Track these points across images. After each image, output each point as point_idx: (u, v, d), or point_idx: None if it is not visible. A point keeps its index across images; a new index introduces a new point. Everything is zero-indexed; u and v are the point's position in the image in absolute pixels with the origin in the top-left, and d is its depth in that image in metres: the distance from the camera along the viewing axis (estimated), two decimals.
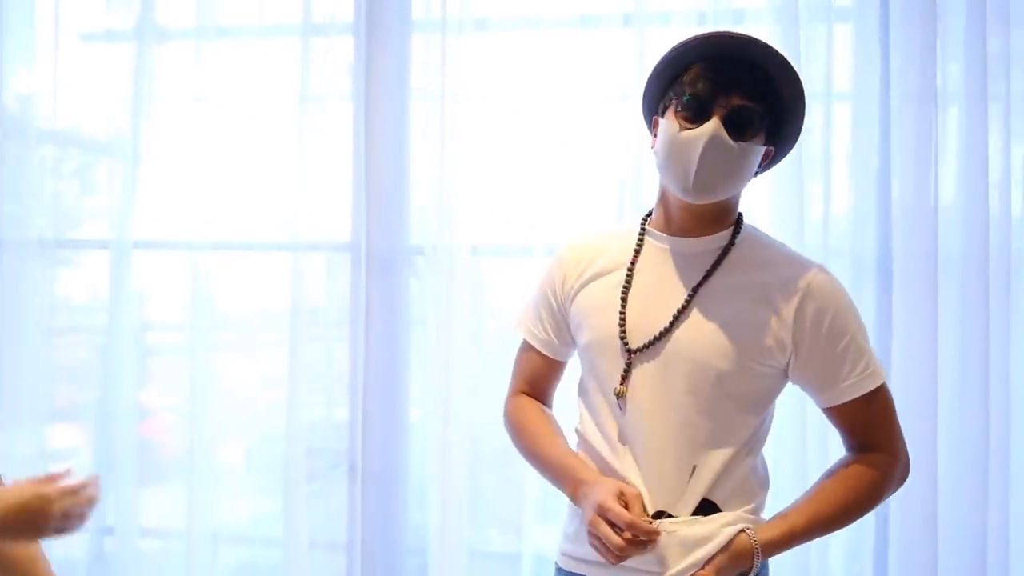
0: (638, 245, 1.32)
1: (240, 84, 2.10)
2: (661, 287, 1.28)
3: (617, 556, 1.18)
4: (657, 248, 1.31)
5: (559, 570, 1.34)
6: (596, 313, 1.32)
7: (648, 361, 1.26)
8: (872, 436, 1.28)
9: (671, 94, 1.26)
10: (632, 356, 1.26)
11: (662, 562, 1.20)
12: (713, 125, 1.19)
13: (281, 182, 2.05)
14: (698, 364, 1.24)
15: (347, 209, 2.02)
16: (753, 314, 1.24)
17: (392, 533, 1.96)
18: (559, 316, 1.38)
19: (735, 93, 1.20)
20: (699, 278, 1.27)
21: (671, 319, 1.25)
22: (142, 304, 2.16)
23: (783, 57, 1.25)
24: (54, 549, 2.06)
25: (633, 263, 1.31)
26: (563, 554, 1.33)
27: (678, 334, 1.25)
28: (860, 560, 1.74)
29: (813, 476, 1.34)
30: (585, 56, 1.88)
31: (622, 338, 1.27)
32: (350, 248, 2.01)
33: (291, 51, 2.04)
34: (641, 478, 1.24)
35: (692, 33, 1.27)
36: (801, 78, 1.26)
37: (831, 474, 1.29)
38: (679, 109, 1.23)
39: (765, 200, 1.74)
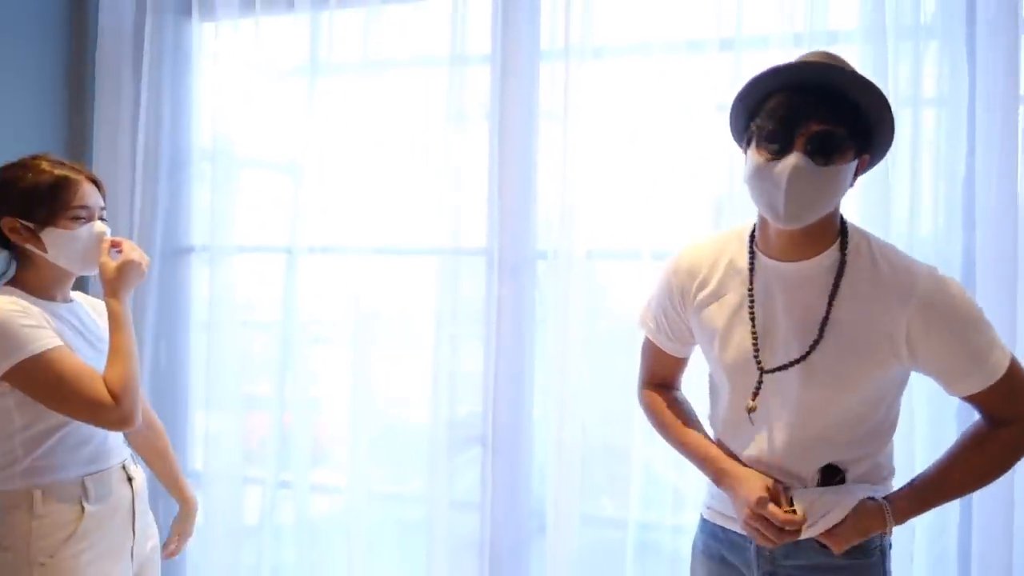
0: (751, 265, 1.40)
1: (396, 109, 2.41)
2: (783, 311, 1.37)
3: (774, 543, 1.35)
4: (769, 271, 1.39)
5: (704, 521, 1.55)
6: (723, 332, 1.42)
7: (778, 380, 1.37)
8: (1007, 412, 1.35)
9: (753, 127, 1.32)
10: (763, 375, 1.38)
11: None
12: (795, 157, 1.25)
13: (428, 194, 2.33)
14: (827, 386, 1.34)
15: (483, 217, 2.29)
16: (873, 331, 1.32)
17: (517, 498, 2.24)
18: (679, 323, 1.52)
19: (814, 119, 1.24)
20: (819, 303, 1.34)
21: (807, 349, 1.34)
22: (314, 303, 2.46)
23: (858, 74, 1.27)
24: (246, 510, 2.49)
25: (751, 288, 1.39)
26: (708, 508, 1.53)
27: (810, 360, 1.34)
28: (946, 535, 1.85)
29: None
30: (689, 77, 2.06)
31: (756, 359, 1.38)
32: (485, 253, 2.28)
33: (439, 79, 2.32)
34: (772, 475, 1.39)
35: (788, 56, 1.36)
36: (882, 90, 1.28)
37: (964, 444, 1.38)
38: (761, 143, 1.29)
39: (853, 204, 1.86)
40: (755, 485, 1.37)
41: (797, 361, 1.36)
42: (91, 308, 1.78)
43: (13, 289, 1.64)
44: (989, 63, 1.76)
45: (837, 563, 1.38)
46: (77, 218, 1.64)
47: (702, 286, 1.45)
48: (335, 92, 2.47)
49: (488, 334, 2.25)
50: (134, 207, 2.61)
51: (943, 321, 1.31)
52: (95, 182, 1.70)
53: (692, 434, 1.54)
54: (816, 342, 1.34)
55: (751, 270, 1.40)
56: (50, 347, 1.56)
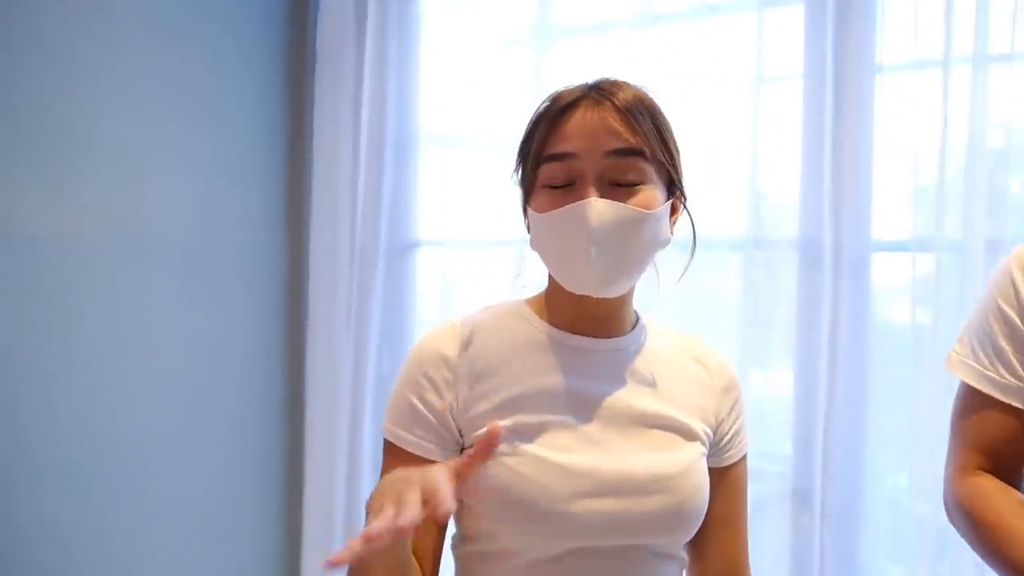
0: None
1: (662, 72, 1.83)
2: None
3: None
4: None
5: None
6: None
7: None
8: None
9: None
10: None
11: None
12: None
13: (708, 174, 1.72)
14: None
15: (793, 200, 1.66)
16: None
17: None
18: None
19: None
20: None
21: None
22: None
23: None
24: None
25: None
26: None
27: None
28: None
29: None
30: None
31: None
32: (798, 245, 1.64)
33: (737, 32, 1.71)
34: None
35: None
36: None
37: None
38: None
39: None
40: None
41: None
42: (684, 356, 1.01)
43: (520, 305, 0.99)
44: None
45: None
46: (551, 178, 0.91)
47: None
48: (574, 59, 1.97)
49: (806, 350, 1.61)
50: (356, 199, 2.21)
51: None
52: (622, 109, 0.90)
53: None
54: None
55: None
56: (392, 436, 0.95)
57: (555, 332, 0.96)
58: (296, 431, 2.30)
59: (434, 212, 2.21)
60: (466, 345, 0.94)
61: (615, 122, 0.90)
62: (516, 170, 0.97)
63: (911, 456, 1.52)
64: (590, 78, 0.95)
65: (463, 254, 2.22)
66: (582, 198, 0.88)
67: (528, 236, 0.97)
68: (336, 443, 2.19)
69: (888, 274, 1.61)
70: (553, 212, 0.90)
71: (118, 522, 1.99)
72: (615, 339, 0.97)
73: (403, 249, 2.23)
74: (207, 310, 2.17)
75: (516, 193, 0.98)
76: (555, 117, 0.91)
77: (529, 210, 0.95)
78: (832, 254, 1.57)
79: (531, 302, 1.00)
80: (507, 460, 0.89)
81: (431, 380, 0.93)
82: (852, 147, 1.59)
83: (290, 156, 2.34)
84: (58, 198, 1.91)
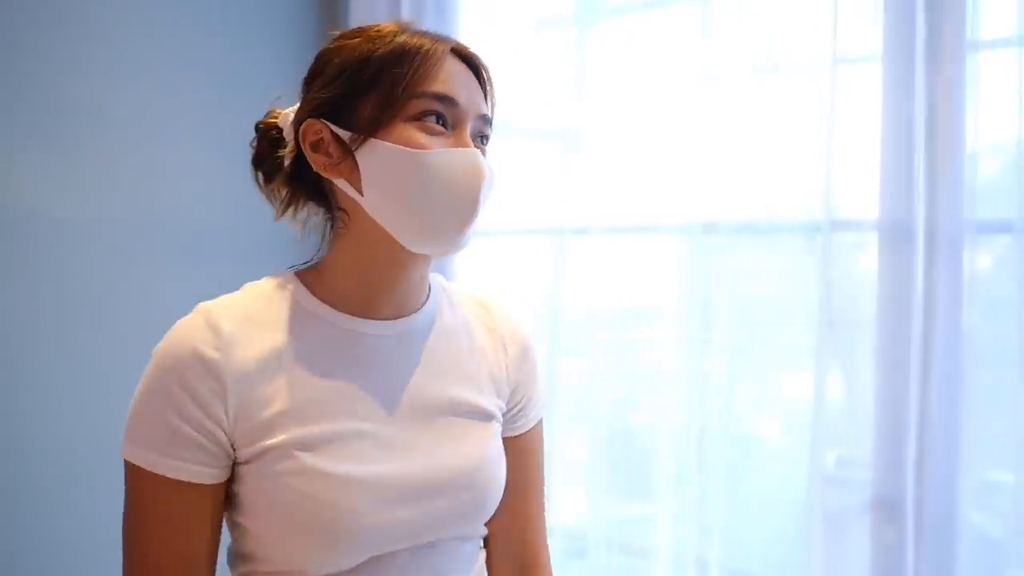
0: None
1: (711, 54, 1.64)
2: None
3: None
4: None
5: None
6: None
7: None
8: None
9: None
10: None
11: None
12: None
13: (807, 155, 1.51)
14: None
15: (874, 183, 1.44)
16: None
17: None
18: None
19: None
20: None
21: None
22: (596, 297, 1.80)
23: None
24: None
25: None
26: None
27: None
28: None
29: None
30: None
31: None
32: (877, 226, 1.43)
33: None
34: None
35: None
36: None
37: None
38: None
39: None
40: None
41: None
42: (475, 324, 0.93)
43: (292, 286, 0.85)
44: None
45: None
46: (427, 115, 0.79)
47: None
48: (621, 40, 1.79)
49: (894, 337, 1.39)
50: None
51: None
52: (476, 69, 0.84)
53: None
54: None
55: None
56: (147, 461, 0.77)
57: (341, 319, 0.84)
58: None
59: None
60: (228, 341, 0.78)
61: (482, 87, 0.84)
62: (318, 91, 0.85)
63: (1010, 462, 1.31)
64: (430, 29, 0.86)
65: (501, 243, 2.04)
66: (464, 146, 0.81)
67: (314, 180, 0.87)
68: None
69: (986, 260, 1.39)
70: (446, 151, 0.79)
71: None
72: (408, 319, 0.86)
73: None
74: None
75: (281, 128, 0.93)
76: (432, 55, 0.81)
77: (382, 144, 0.79)
78: (924, 234, 1.35)
79: (306, 280, 0.86)
80: (291, 480, 0.77)
81: (191, 390, 0.76)
82: (945, 125, 1.37)
83: None
84: (70, 176, 1.77)
